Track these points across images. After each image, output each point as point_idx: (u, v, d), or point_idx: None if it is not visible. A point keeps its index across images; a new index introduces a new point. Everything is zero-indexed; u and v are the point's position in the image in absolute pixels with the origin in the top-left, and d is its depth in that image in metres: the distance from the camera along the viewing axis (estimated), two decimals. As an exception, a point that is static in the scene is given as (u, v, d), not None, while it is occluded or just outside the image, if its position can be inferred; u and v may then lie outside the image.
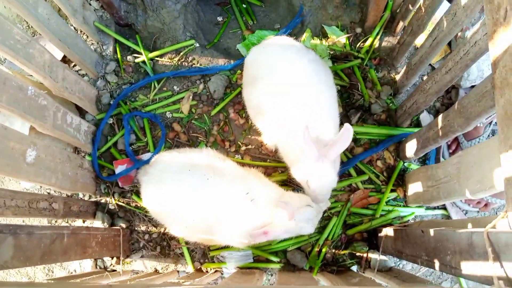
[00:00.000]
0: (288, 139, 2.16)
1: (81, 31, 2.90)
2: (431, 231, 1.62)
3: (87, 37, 2.91)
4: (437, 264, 1.55)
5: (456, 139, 2.54)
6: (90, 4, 2.92)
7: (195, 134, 2.73)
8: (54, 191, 2.62)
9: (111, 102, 2.79)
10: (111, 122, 2.75)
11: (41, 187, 2.65)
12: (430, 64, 2.76)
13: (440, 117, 2.05)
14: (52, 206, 2.09)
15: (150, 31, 3.00)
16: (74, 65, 2.90)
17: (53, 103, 2.20)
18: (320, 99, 2.14)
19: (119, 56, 2.91)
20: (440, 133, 2.03)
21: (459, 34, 2.71)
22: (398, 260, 2.54)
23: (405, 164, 2.57)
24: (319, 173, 2.00)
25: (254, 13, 3.27)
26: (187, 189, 2.06)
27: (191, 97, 2.81)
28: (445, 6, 2.34)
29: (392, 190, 2.51)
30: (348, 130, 1.92)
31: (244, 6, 3.30)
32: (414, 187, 2.35)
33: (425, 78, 2.72)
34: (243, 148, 2.69)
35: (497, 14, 1.38)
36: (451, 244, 1.45)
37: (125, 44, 2.94)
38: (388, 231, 2.25)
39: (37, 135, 2.23)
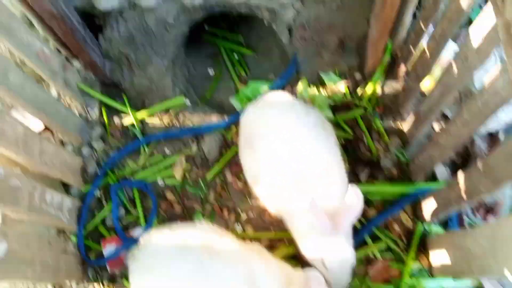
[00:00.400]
0: (292, 211, 1.93)
1: (63, 95, 2.70)
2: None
3: (71, 101, 2.72)
4: None
5: (487, 208, 2.28)
6: (72, 65, 2.74)
7: (191, 202, 2.49)
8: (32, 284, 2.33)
9: (98, 171, 2.56)
10: (98, 195, 2.51)
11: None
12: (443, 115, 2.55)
13: (461, 177, 1.81)
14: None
15: (138, 90, 2.82)
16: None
17: (28, 182, 1.96)
18: (324, 164, 1.94)
19: (105, 119, 2.71)
20: (465, 196, 1.79)
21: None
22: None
23: (425, 226, 2.30)
24: (336, 249, 1.78)
25: (246, 63, 3.11)
26: (179, 277, 1.80)
27: (183, 160, 2.58)
28: (451, 46, 2.18)
29: (414, 260, 2.22)
30: (357, 196, 1.74)
31: (235, 56, 3.14)
32: (439, 257, 2.06)
33: (436, 126, 2.51)
34: (244, 216, 2.42)
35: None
36: None
37: (112, 106, 2.75)
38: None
39: (8, 224, 1.98)
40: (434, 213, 2.11)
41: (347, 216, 1.76)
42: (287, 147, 1.95)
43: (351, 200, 1.75)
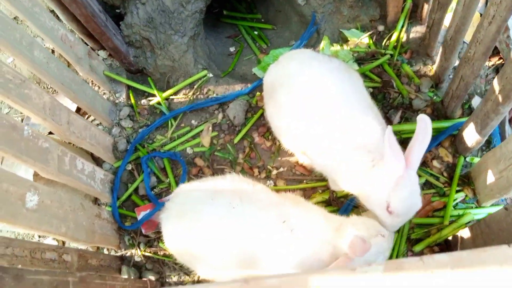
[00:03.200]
0: (333, 152, 1.84)
1: (92, 82, 2.79)
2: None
3: (99, 87, 2.80)
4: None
5: None
6: (98, 54, 2.84)
7: (220, 166, 2.46)
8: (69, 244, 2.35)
9: (128, 148, 2.59)
10: (129, 168, 2.53)
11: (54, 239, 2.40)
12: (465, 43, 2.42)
13: (495, 80, 1.68)
14: (62, 258, 1.82)
15: (162, 71, 2.86)
16: (89, 117, 2.76)
17: (57, 146, 2.00)
18: (353, 105, 1.87)
19: (133, 101, 2.77)
20: (500, 98, 1.65)
21: None
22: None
23: (467, 158, 2.15)
24: (406, 191, 1.61)
25: (267, 37, 3.11)
26: (210, 220, 1.76)
27: (210, 128, 2.57)
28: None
29: (458, 191, 2.08)
30: (425, 121, 1.59)
31: (256, 33, 3.15)
32: (484, 179, 1.92)
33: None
34: (274, 172, 2.37)
35: None
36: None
37: (138, 88, 2.80)
38: (463, 233, 1.80)
39: (41, 180, 2.01)
40: (476, 137, 1.95)
41: (417, 147, 1.60)
42: (314, 94, 1.90)
43: (419, 129, 1.60)
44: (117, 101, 2.78)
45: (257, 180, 2.35)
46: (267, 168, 2.39)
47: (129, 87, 2.85)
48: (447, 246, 2.02)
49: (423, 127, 1.58)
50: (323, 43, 2.66)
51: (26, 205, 1.65)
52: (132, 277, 2.22)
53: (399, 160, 1.57)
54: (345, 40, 2.66)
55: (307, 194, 2.26)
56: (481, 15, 2.49)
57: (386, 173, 1.62)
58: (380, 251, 1.60)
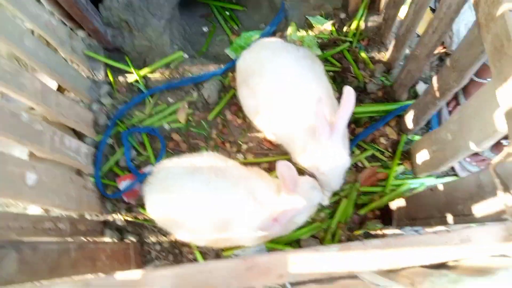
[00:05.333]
0: (291, 129, 2.15)
1: (71, 61, 2.93)
2: (440, 186, 1.56)
3: (78, 65, 2.95)
4: (450, 218, 1.48)
5: (457, 102, 2.48)
6: (76, 34, 2.96)
7: (195, 140, 2.72)
8: (61, 214, 2.59)
9: (108, 123, 2.79)
10: (110, 142, 2.75)
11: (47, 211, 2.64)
12: (417, 35, 2.73)
13: (434, 78, 2.01)
14: (58, 226, 2.07)
15: (139, 50, 3.02)
16: (68, 93, 2.92)
17: (49, 128, 2.21)
18: (315, 89, 2.14)
19: (111, 79, 2.94)
20: (437, 94, 1.98)
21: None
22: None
23: (409, 137, 2.52)
24: (331, 153, 1.96)
25: (238, 18, 3.30)
26: (189, 194, 2.04)
27: (186, 106, 2.81)
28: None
29: (399, 164, 2.46)
30: (349, 92, 1.88)
31: (227, 13, 3.33)
32: (421, 156, 2.29)
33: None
34: (244, 147, 2.66)
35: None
36: (460, 192, 1.40)
37: (115, 66, 2.97)
38: (399, 203, 2.18)
39: (37, 160, 2.23)
40: (415, 120, 2.31)
41: (341, 114, 1.91)
42: (282, 80, 2.17)
43: (343, 97, 1.89)
44: (96, 79, 2.95)
45: (229, 153, 2.65)
46: (238, 143, 2.68)
47: (106, 65, 3.00)
48: (386, 210, 2.39)
49: (348, 97, 1.88)
50: (291, 29, 2.89)
51: (27, 183, 1.88)
52: (115, 239, 2.50)
53: (324, 128, 1.89)
54: (310, 26, 2.91)
55: (272, 166, 2.57)
56: (432, 10, 2.79)
57: (317, 140, 1.95)
58: (314, 186, 1.95)
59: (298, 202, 1.86)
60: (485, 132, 1.56)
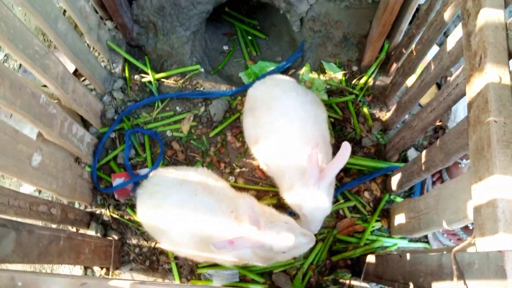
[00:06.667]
0: (284, 166, 2.28)
1: (93, 48, 3.06)
2: (408, 255, 1.72)
3: (99, 54, 3.07)
4: (411, 286, 1.64)
5: (441, 177, 2.66)
6: (105, 24, 3.09)
7: (193, 153, 2.85)
8: (53, 198, 2.70)
9: (115, 118, 2.92)
10: (113, 136, 2.87)
11: (39, 192, 2.74)
12: (419, 104, 2.91)
13: (423, 152, 2.18)
14: (50, 211, 2.18)
15: (159, 53, 3.16)
16: (84, 80, 3.04)
17: (62, 113, 2.32)
18: (314, 134, 2.30)
19: (127, 74, 3.07)
20: (423, 167, 2.15)
21: (449, 78, 2.88)
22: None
23: (391, 196, 2.69)
24: (314, 198, 2.07)
25: (258, 45, 3.46)
26: (176, 204, 2.13)
27: (191, 118, 2.95)
28: (435, 50, 2.53)
29: (377, 221, 2.62)
30: (346, 147, 2.00)
31: (249, 38, 3.49)
32: (398, 219, 2.45)
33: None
34: (238, 170, 2.80)
35: (474, 60, 1.54)
36: (423, 266, 1.55)
37: (133, 63, 3.10)
38: (370, 258, 2.33)
39: (43, 142, 2.34)
40: (399, 184, 2.48)
41: (333, 165, 2.03)
42: (286, 119, 2.32)
43: (340, 151, 2.01)
44: (113, 71, 3.07)
45: (222, 173, 2.79)
46: (232, 165, 2.82)
47: (125, 60, 3.13)
48: (357, 262, 2.55)
49: (344, 152, 2.00)
50: (304, 69, 3.06)
51: (31, 163, 1.99)
52: (98, 233, 2.61)
53: (314, 173, 2.00)
54: (323, 71, 3.08)
55: (260, 195, 2.71)
56: (438, 86, 2.98)
57: (305, 183, 2.07)
58: (289, 229, 1.91)
59: (259, 236, 1.90)
60: (457, 215, 1.72)
